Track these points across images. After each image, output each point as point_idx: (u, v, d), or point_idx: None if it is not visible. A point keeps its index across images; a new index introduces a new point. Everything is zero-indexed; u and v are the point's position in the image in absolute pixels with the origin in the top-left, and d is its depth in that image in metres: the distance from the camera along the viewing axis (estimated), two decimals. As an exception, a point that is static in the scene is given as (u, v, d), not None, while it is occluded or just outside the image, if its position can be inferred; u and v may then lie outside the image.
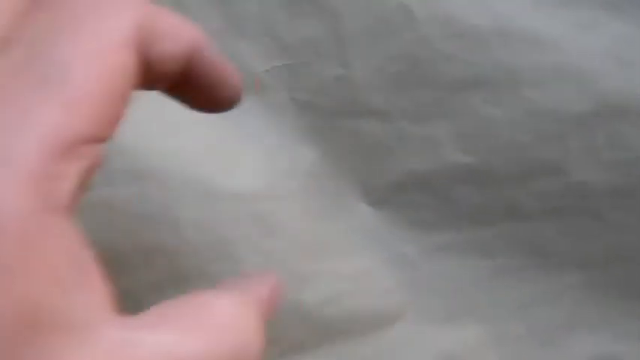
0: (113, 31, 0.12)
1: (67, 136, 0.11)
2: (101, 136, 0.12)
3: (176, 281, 0.26)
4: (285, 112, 0.27)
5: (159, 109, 0.26)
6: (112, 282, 0.28)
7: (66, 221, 0.11)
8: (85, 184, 0.12)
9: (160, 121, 0.26)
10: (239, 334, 0.13)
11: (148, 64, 0.13)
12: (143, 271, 0.26)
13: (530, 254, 0.29)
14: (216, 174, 0.26)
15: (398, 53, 0.26)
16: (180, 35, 0.13)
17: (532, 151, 0.27)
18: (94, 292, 0.11)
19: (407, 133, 0.27)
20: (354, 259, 0.28)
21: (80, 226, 0.22)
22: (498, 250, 0.29)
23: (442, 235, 0.29)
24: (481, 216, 0.28)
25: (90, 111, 0.11)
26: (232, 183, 0.26)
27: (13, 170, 0.10)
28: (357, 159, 0.28)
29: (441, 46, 0.26)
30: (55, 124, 0.11)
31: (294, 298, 0.27)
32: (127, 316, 0.12)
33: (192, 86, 0.14)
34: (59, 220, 0.11)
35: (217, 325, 0.12)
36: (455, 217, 0.28)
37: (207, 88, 0.15)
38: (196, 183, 0.26)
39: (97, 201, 0.25)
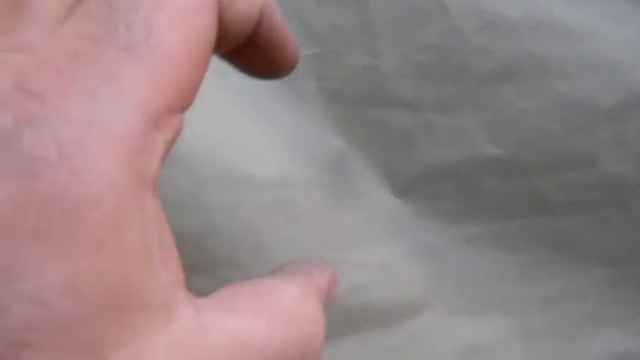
0: None
1: (158, 106, 0.10)
2: (185, 104, 0.11)
3: (204, 267, 0.26)
4: (312, 100, 0.27)
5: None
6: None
7: (155, 196, 0.11)
8: (165, 156, 0.11)
9: (189, 109, 0.26)
10: (305, 322, 0.13)
11: (222, 25, 0.12)
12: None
13: (556, 248, 0.29)
14: (242, 161, 0.27)
15: (428, 43, 0.26)
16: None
17: (561, 143, 0.26)
18: (174, 271, 0.11)
19: (435, 123, 0.27)
20: (379, 248, 0.28)
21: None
22: (524, 243, 0.29)
23: (468, 227, 0.28)
24: (508, 208, 0.28)
25: (176, 79, 0.11)
26: (258, 170, 0.27)
27: (111, 142, 0.10)
28: (384, 149, 0.28)
29: (472, 36, 0.25)
30: (146, 94, 0.10)
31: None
32: (199, 298, 0.11)
33: (256, 50, 0.14)
34: (150, 195, 0.10)
35: (285, 312, 0.12)
36: (481, 209, 0.28)
37: (270, 53, 0.14)
38: (223, 170, 0.26)
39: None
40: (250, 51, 0.14)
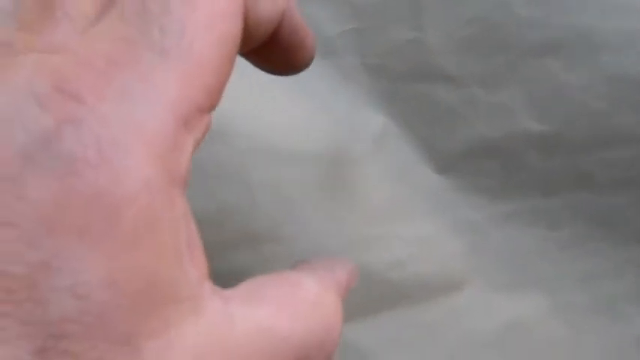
0: None
1: (188, 107, 0.11)
2: (213, 104, 0.12)
3: (247, 241, 0.26)
4: (355, 76, 0.27)
5: (234, 74, 0.27)
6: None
7: (184, 194, 0.11)
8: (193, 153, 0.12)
9: (232, 83, 0.26)
10: (325, 313, 0.13)
11: (246, 27, 0.13)
12: (216, 231, 0.26)
13: (598, 225, 0.29)
14: (285, 137, 0.27)
15: (473, 17, 0.25)
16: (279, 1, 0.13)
17: (606, 119, 0.26)
18: (200, 265, 0.12)
19: (478, 98, 0.27)
20: (419, 224, 0.28)
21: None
22: (565, 220, 0.29)
23: (509, 204, 0.28)
24: (550, 185, 0.28)
25: (206, 81, 0.11)
26: (301, 146, 0.27)
27: (145, 142, 0.10)
28: (426, 124, 0.27)
29: (517, 9, 0.25)
30: (177, 96, 0.11)
31: (358, 261, 0.27)
32: (224, 290, 0.12)
33: (276, 49, 0.14)
34: (180, 193, 0.11)
35: (307, 304, 0.13)
36: (523, 185, 0.28)
37: (290, 51, 0.15)
38: (266, 146, 0.26)
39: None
40: (271, 50, 0.14)
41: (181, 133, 0.11)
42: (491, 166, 0.28)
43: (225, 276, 0.27)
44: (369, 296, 0.28)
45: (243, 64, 0.27)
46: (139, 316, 0.10)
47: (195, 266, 0.11)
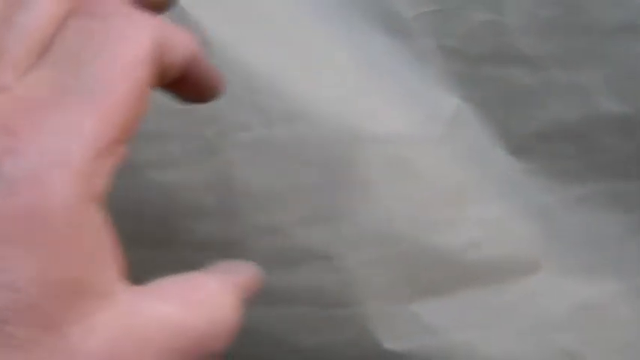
0: (139, 50, 0.15)
1: (106, 140, 0.13)
2: (128, 137, 0.14)
3: (323, 219, 0.27)
4: (430, 58, 0.27)
5: (312, 56, 0.27)
6: (261, 219, 0.30)
7: (101, 208, 0.14)
8: (111, 175, 0.15)
9: (313, 66, 0.27)
10: (221, 310, 0.16)
11: (159, 71, 0.16)
12: (293, 209, 0.27)
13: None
14: (360, 118, 0.27)
15: (554, -2, 0.25)
16: (184, 46, 0.16)
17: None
18: (115, 266, 0.14)
19: (556, 80, 0.26)
20: (493, 206, 0.28)
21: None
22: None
23: (584, 187, 0.28)
24: (627, 167, 0.28)
25: (122, 119, 0.14)
26: (376, 127, 0.27)
27: (69, 169, 0.13)
28: (502, 106, 0.28)
29: (599, -10, 0.25)
30: (97, 131, 0.13)
31: (432, 242, 0.28)
32: (135, 286, 0.15)
33: (185, 84, 0.18)
34: (98, 207, 0.14)
35: (206, 301, 0.16)
36: (599, 169, 0.28)
37: (197, 86, 0.18)
38: (342, 126, 0.27)
39: (255, 139, 0.26)
40: (182, 85, 0.17)
41: (100, 162, 0.13)
42: (566, 149, 0.28)
43: (300, 252, 0.28)
44: (443, 276, 0.28)
45: (323, 50, 0.28)
46: (64, 307, 0.13)
47: (111, 267, 0.14)
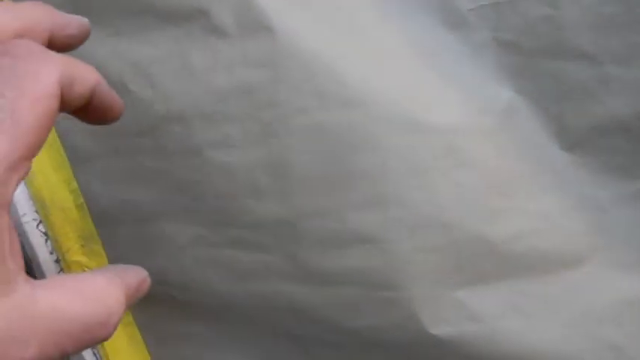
0: (46, 87, 0.18)
1: (16, 158, 0.17)
2: (34, 155, 0.18)
3: (375, 204, 0.28)
4: (486, 50, 0.28)
5: (371, 45, 0.28)
6: (314, 202, 0.30)
7: (8, 214, 0.17)
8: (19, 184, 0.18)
9: (370, 54, 0.28)
10: (107, 303, 0.19)
11: (64, 100, 0.19)
12: (346, 193, 0.28)
13: None
14: (416, 107, 0.28)
15: (613, -7, 0.25)
16: (88, 79, 0.20)
17: None
18: (17, 262, 0.18)
19: (612, 75, 0.27)
20: (543, 198, 0.29)
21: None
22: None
23: (637, 183, 0.28)
24: (681, 165, 0.28)
25: (29, 141, 0.17)
26: (432, 116, 0.28)
27: None
28: (556, 101, 0.28)
29: (660, -13, 0.25)
30: (7, 151, 0.17)
31: (482, 231, 0.28)
32: (33, 280, 0.18)
33: (90, 111, 0.21)
34: (5, 213, 0.17)
35: (94, 294, 0.19)
36: (652, 165, 0.28)
37: (101, 112, 0.21)
38: (398, 114, 0.28)
39: (312, 124, 0.27)
40: (87, 111, 0.21)
41: (8, 175, 0.17)
42: (620, 144, 0.28)
43: (351, 235, 0.29)
44: (491, 265, 0.28)
45: (382, 39, 0.28)
46: None
47: (14, 262, 0.17)
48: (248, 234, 0.30)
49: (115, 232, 0.34)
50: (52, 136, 0.33)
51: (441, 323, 0.29)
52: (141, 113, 0.30)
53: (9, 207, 0.17)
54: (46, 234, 0.34)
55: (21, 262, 0.18)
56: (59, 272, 0.34)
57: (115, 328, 0.20)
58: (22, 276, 0.18)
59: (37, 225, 0.34)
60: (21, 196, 0.34)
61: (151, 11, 0.30)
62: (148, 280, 0.22)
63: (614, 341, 0.29)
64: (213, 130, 0.29)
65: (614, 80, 0.27)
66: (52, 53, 0.19)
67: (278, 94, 0.28)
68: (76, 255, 0.34)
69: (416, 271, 0.29)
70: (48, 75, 0.18)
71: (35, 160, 0.20)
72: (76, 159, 0.33)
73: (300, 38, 0.28)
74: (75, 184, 0.33)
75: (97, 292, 0.19)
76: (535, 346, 0.29)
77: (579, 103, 0.27)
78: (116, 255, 0.34)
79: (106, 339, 0.19)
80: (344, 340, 0.31)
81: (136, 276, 0.21)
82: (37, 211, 0.34)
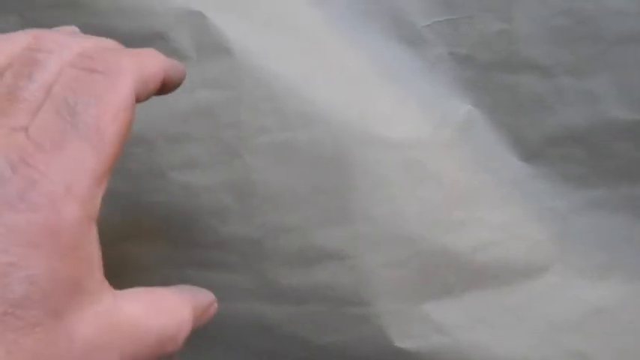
0: (123, 101, 0.18)
1: (101, 171, 0.18)
2: (114, 166, 0.18)
3: (339, 220, 0.28)
4: (442, 65, 0.28)
5: (329, 62, 0.28)
6: (280, 220, 0.31)
7: (95, 225, 0.18)
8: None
9: (329, 72, 0.28)
10: (178, 319, 0.20)
11: (138, 100, 0.20)
12: (311, 210, 0.28)
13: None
14: (376, 122, 0.28)
15: (563, 8, 0.26)
16: (157, 74, 0.20)
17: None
18: (101, 272, 0.18)
19: (566, 87, 0.27)
20: (503, 209, 0.29)
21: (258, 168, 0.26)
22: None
23: (595, 191, 0.29)
24: (637, 173, 0.28)
25: (112, 154, 0.18)
26: (391, 132, 0.28)
27: (74, 194, 0.17)
28: (512, 113, 0.28)
29: (607, 1, 0.26)
30: (94, 166, 0.17)
31: (445, 244, 0.29)
32: (114, 290, 0.19)
33: (161, 90, 0.22)
34: (93, 224, 0.18)
35: (165, 309, 0.20)
36: (609, 174, 0.28)
37: (165, 90, 0.22)
38: (359, 130, 0.28)
39: (274, 143, 0.28)
40: (159, 91, 0.22)
41: (95, 189, 0.17)
42: (577, 154, 0.28)
43: (317, 251, 0.29)
44: (455, 277, 0.29)
45: (340, 60, 0.29)
46: (65, 299, 0.17)
47: (99, 271, 0.18)
48: (215, 254, 0.30)
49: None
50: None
51: (409, 337, 0.29)
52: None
53: (96, 218, 0.18)
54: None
55: (102, 271, 0.18)
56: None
57: (181, 344, 0.20)
58: (107, 284, 0.18)
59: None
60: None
61: (112, 34, 0.30)
62: (216, 305, 0.22)
63: (580, 349, 0.29)
64: (176, 151, 0.29)
65: (568, 91, 0.27)
66: (125, 60, 0.19)
67: (239, 115, 0.28)
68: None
69: (382, 285, 0.29)
70: (125, 89, 0.18)
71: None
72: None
73: (259, 59, 0.28)
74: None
75: (170, 307, 0.20)
76: (502, 356, 0.29)
77: (534, 114, 0.28)
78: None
79: (172, 354, 0.20)
80: (313, 357, 0.31)
81: (205, 298, 0.22)
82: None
